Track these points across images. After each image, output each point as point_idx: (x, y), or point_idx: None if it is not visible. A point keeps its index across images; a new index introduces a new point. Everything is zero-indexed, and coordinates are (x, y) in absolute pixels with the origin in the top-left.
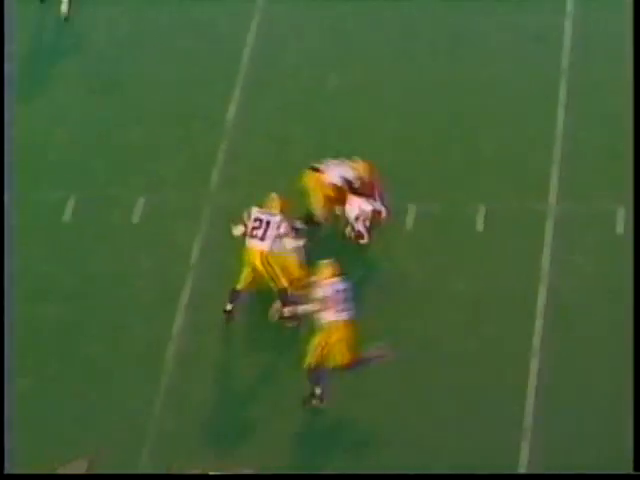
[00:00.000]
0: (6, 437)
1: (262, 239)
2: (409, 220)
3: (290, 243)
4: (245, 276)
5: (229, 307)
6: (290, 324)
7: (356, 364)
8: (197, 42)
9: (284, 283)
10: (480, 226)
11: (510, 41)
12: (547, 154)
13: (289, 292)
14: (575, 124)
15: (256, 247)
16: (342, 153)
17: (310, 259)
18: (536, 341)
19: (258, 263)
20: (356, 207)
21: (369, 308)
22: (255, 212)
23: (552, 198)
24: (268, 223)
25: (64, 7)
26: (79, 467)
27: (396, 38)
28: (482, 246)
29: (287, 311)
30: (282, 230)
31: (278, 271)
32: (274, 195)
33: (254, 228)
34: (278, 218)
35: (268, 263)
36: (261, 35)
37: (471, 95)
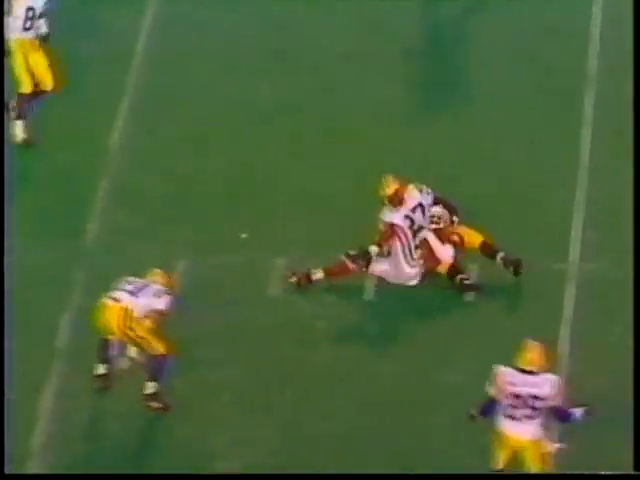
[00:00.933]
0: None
1: (134, 294)
2: (369, 287)
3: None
4: None
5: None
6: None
7: None
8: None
9: (160, 348)
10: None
11: (516, 37)
12: (567, 197)
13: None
14: (603, 153)
15: (122, 302)
16: (266, 195)
17: None
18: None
19: (116, 323)
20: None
21: (329, 407)
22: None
23: (573, 255)
24: (146, 285)
25: (19, 130)
26: None
27: (356, 36)
28: (473, 319)
29: None
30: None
31: (145, 334)
32: (157, 271)
33: (127, 283)
34: (160, 287)
35: (130, 328)
36: (155, 34)
37: (463, 117)
